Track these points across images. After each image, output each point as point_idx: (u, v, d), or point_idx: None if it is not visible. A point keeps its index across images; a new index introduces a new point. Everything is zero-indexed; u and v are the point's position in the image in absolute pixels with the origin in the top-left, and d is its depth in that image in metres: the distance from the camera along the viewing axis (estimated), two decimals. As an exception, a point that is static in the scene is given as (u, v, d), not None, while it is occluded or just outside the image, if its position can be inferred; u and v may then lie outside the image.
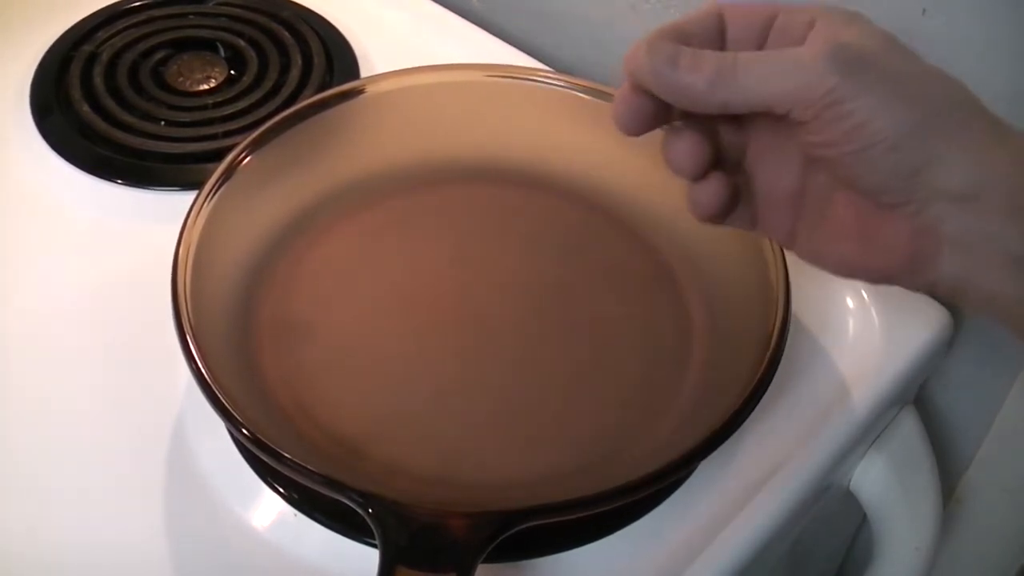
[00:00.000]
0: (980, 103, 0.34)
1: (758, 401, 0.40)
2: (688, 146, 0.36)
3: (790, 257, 0.45)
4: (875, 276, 0.37)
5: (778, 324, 0.42)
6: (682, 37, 0.35)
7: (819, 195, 0.37)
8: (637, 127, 0.36)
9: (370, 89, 0.53)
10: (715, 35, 0.36)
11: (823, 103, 0.33)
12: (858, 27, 0.34)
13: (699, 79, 0.34)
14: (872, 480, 0.51)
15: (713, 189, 0.37)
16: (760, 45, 0.36)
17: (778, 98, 0.33)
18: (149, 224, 0.54)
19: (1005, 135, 0.34)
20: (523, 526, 0.37)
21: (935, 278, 0.35)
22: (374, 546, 0.36)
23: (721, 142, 0.37)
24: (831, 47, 0.33)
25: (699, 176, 0.37)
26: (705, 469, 0.44)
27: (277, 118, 0.51)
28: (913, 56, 0.35)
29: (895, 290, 0.52)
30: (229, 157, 0.49)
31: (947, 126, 0.33)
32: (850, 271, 0.37)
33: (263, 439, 0.38)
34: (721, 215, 0.38)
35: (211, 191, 0.47)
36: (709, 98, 0.34)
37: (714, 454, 0.39)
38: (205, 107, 0.59)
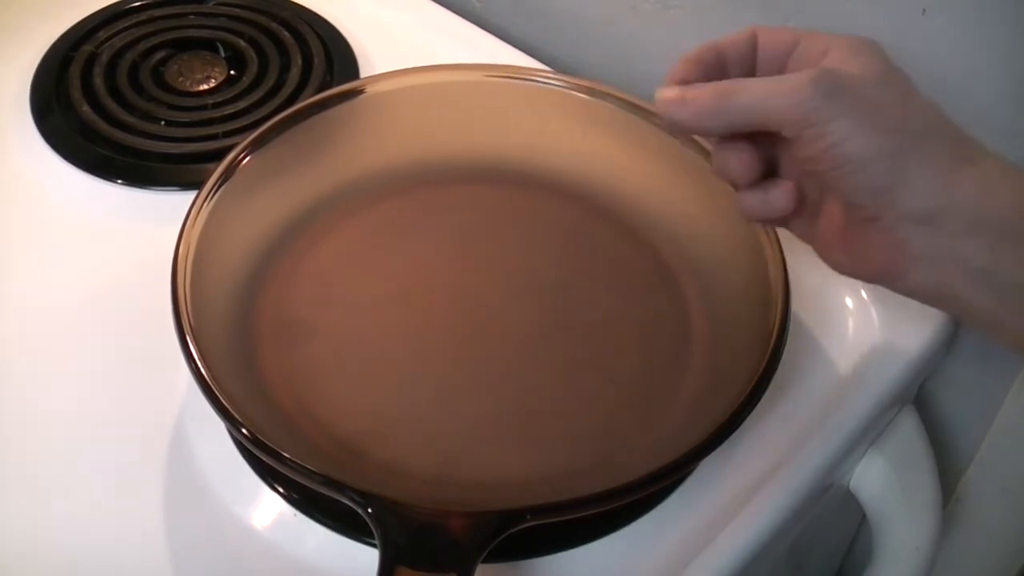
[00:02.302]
0: (955, 129, 0.38)
1: (758, 401, 0.40)
2: (734, 155, 0.41)
3: (790, 257, 0.45)
4: (866, 278, 0.41)
5: (778, 324, 0.42)
6: (719, 55, 0.41)
7: (813, 204, 0.41)
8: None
9: (370, 89, 0.53)
10: (748, 55, 0.41)
11: (803, 123, 0.36)
12: (865, 57, 0.38)
13: (704, 102, 0.38)
14: (872, 480, 0.51)
15: (755, 193, 0.42)
16: (782, 69, 0.40)
17: (769, 116, 0.37)
18: (149, 224, 0.54)
19: (976, 157, 0.37)
20: (523, 526, 0.37)
21: (913, 287, 0.39)
22: (374, 546, 0.36)
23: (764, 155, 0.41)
24: (818, 72, 0.36)
25: (745, 183, 0.41)
26: (705, 469, 0.44)
27: (277, 118, 0.51)
28: (905, 86, 0.38)
29: (895, 290, 0.52)
30: (229, 157, 0.49)
31: (917, 152, 0.36)
32: (845, 272, 0.41)
33: (263, 439, 0.38)
34: (771, 216, 0.42)
35: (211, 191, 0.47)
36: (716, 118, 0.39)
37: (714, 454, 0.39)
38: (205, 107, 0.59)
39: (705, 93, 0.38)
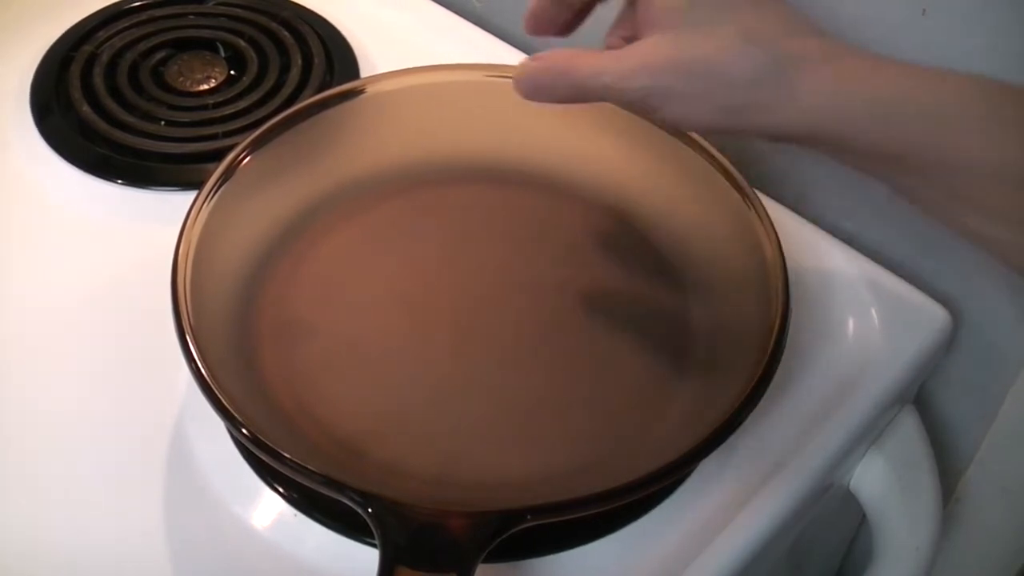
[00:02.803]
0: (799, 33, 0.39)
1: (758, 401, 0.40)
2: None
3: (790, 257, 0.45)
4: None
5: (778, 323, 0.42)
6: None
7: None
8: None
9: (370, 89, 0.53)
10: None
11: (641, 106, 0.39)
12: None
13: (540, 79, 0.41)
14: (872, 480, 0.51)
15: None
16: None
17: (606, 96, 0.40)
18: (149, 224, 0.54)
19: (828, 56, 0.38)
20: (523, 526, 0.37)
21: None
22: (374, 546, 0.36)
23: None
24: (653, 58, 0.39)
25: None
26: (705, 469, 0.44)
27: (277, 118, 0.51)
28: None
29: (895, 290, 0.52)
30: (229, 157, 0.49)
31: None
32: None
33: (263, 439, 0.38)
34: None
35: (211, 191, 0.47)
36: (554, 94, 0.41)
37: (714, 454, 0.39)
38: (205, 107, 0.59)
39: (543, 68, 0.40)
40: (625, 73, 0.39)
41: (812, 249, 0.53)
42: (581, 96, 0.40)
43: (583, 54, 0.40)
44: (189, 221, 0.45)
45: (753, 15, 0.38)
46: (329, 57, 0.63)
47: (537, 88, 0.41)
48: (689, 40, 0.38)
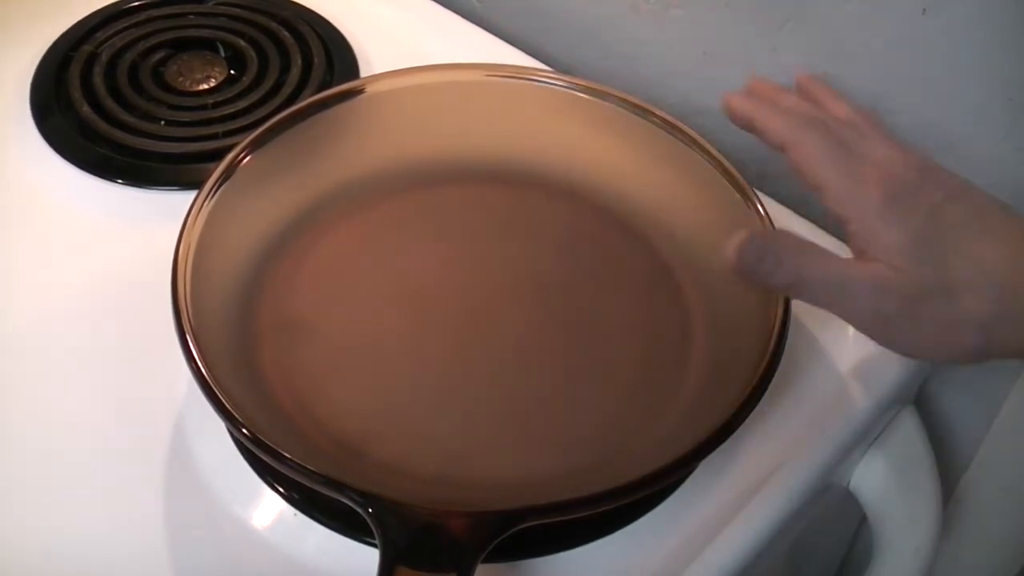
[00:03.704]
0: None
1: (758, 401, 0.40)
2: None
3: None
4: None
5: (778, 323, 0.42)
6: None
7: None
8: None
9: (370, 89, 0.53)
10: None
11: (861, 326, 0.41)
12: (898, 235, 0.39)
13: (775, 273, 0.40)
14: (872, 480, 0.51)
15: None
16: None
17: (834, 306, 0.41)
18: (149, 224, 0.54)
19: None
20: (523, 526, 0.37)
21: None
22: (374, 546, 0.36)
23: None
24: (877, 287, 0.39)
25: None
26: (705, 469, 0.44)
27: (277, 118, 0.51)
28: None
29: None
30: (229, 157, 0.49)
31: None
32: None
33: (263, 439, 0.38)
34: None
35: (211, 191, 0.47)
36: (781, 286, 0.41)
37: (714, 454, 0.39)
38: (205, 107, 0.59)
39: (769, 247, 0.40)
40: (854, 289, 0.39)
41: (812, 249, 0.53)
42: (794, 292, 0.41)
43: (815, 249, 0.40)
44: (189, 221, 0.45)
45: (982, 244, 0.38)
46: (329, 57, 0.63)
47: (758, 264, 0.40)
48: (918, 276, 0.38)
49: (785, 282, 0.40)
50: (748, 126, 0.44)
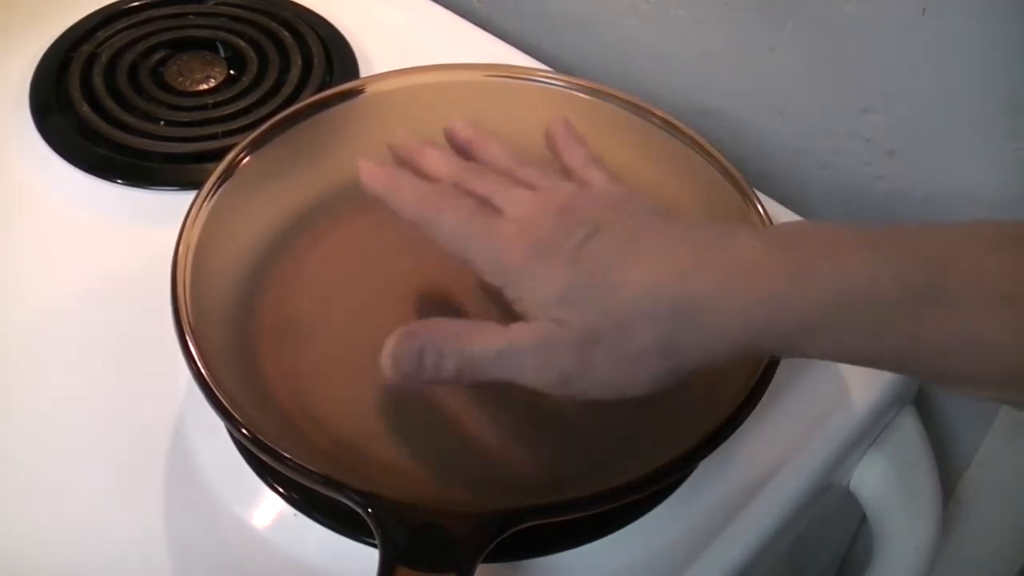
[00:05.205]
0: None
1: (758, 400, 0.40)
2: None
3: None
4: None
5: (778, 324, 0.42)
6: None
7: None
8: None
9: (370, 89, 0.53)
10: None
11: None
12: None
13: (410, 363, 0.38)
14: (872, 480, 0.51)
15: None
16: None
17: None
18: (149, 224, 0.54)
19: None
20: (523, 526, 0.37)
21: None
22: (374, 546, 0.36)
23: None
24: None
25: None
26: (705, 469, 0.44)
27: (277, 118, 0.51)
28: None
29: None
30: (229, 157, 0.49)
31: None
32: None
33: (263, 439, 0.38)
34: None
35: (211, 191, 0.47)
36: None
37: (714, 454, 0.39)
38: (205, 107, 0.59)
39: (440, 351, 0.37)
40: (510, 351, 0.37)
41: (812, 249, 0.53)
42: (467, 376, 0.38)
43: (472, 327, 0.38)
44: (189, 221, 0.45)
45: (639, 269, 0.36)
46: (329, 57, 0.63)
47: (419, 367, 0.38)
48: (582, 323, 0.36)
49: (455, 369, 0.37)
50: (382, 201, 0.42)
